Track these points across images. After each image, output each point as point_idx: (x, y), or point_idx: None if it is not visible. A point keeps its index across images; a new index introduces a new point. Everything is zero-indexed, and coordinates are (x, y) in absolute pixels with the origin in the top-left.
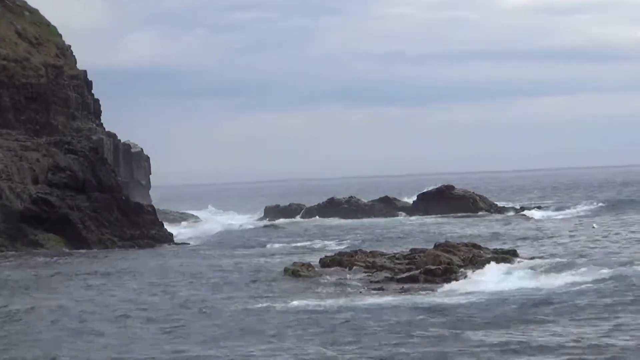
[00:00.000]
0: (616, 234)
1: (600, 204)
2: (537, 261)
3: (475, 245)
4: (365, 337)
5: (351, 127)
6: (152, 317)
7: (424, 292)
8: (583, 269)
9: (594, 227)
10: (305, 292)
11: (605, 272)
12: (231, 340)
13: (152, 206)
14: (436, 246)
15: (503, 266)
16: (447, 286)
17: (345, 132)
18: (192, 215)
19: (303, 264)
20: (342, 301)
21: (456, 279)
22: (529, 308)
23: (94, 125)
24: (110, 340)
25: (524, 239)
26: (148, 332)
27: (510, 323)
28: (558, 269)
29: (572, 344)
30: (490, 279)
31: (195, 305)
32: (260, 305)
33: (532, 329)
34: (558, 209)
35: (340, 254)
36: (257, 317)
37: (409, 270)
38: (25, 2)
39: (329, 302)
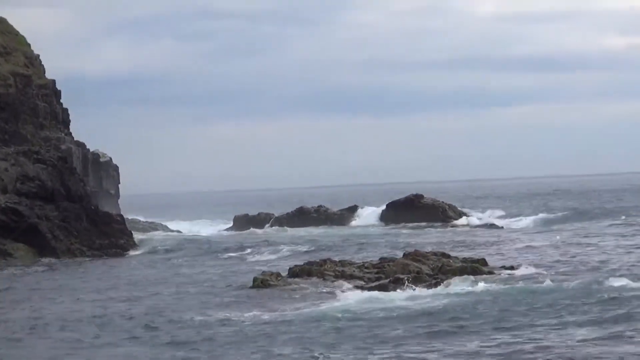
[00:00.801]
0: (577, 244)
1: (564, 213)
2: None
3: (444, 254)
4: (312, 344)
5: (321, 136)
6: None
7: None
8: (545, 281)
9: (557, 238)
10: (266, 302)
11: (547, 284)
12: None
13: (121, 215)
14: (405, 255)
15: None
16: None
17: (315, 141)
18: (161, 224)
19: (272, 274)
20: (303, 310)
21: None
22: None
23: (63, 134)
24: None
25: (490, 246)
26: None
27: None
28: (517, 279)
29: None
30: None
31: (144, 317)
32: (215, 316)
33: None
34: (523, 216)
35: (310, 263)
36: (205, 329)
37: (378, 279)
38: None
39: (286, 312)
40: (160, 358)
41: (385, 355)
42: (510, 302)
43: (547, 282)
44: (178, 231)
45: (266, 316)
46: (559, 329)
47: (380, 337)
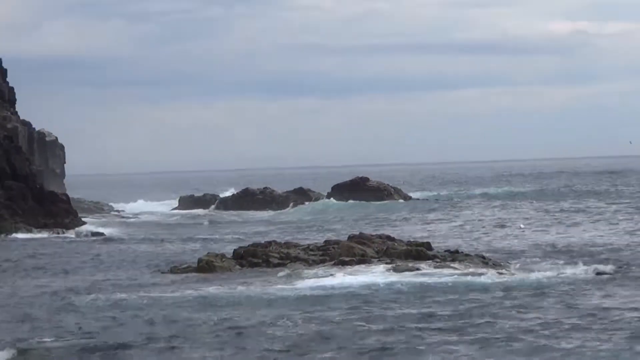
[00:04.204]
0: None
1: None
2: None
3: (389, 238)
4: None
5: (268, 119)
6: None
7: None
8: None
9: (521, 227)
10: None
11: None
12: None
13: (66, 195)
14: (350, 238)
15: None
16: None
17: (262, 124)
18: (107, 204)
19: (217, 255)
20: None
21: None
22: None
23: (9, 113)
24: None
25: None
26: None
27: None
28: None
29: None
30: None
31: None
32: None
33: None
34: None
35: (254, 244)
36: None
37: (322, 261)
38: None
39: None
40: None
41: None
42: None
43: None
44: (123, 211)
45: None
46: None
47: None
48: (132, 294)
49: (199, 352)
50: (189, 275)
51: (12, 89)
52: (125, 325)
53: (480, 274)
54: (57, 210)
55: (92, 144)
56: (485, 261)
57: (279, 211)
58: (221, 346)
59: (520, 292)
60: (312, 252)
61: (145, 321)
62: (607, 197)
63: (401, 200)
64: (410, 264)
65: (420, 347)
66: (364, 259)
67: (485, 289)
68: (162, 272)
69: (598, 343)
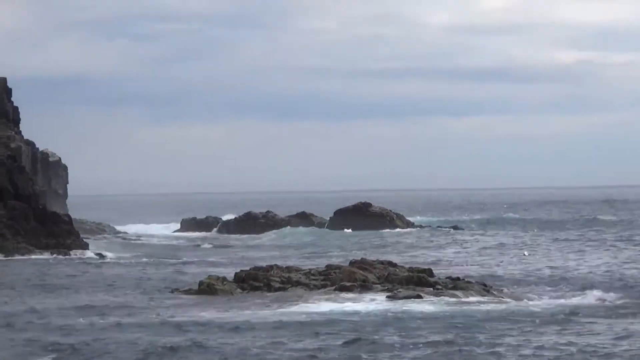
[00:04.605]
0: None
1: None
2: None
3: (390, 263)
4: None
5: (270, 141)
6: None
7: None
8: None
9: (525, 255)
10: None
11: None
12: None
13: (68, 215)
14: (351, 263)
15: None
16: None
17: (264, 146)
18: (109, 225)
19: (218, 278)
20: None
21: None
22: None
23: (13, 133)
24: None
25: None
26: None
27: None
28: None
29: None
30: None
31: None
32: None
33: None
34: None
35: (256, 268)
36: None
37: (324, 286)
38: None
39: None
40: None
41: None
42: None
43: None
44: (125, 232)
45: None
46: None
47: None
48: (129, 316)
49: None
50: (190, 297)
51: (16, 108)
52: (115, 346)
53: (479, 303)
54: (59, 231)
55: (95, 164)
56: (486, 289)
57: (280, 234)
58: None
59: (520, 319)
60: (313, 277)
61: (134, 344)
62: (612, 226)
63: (403, 227)
64: (409, 292)
65: None
66: (365, 285)
67: (483, 317)
68: (163, 293)
69: None
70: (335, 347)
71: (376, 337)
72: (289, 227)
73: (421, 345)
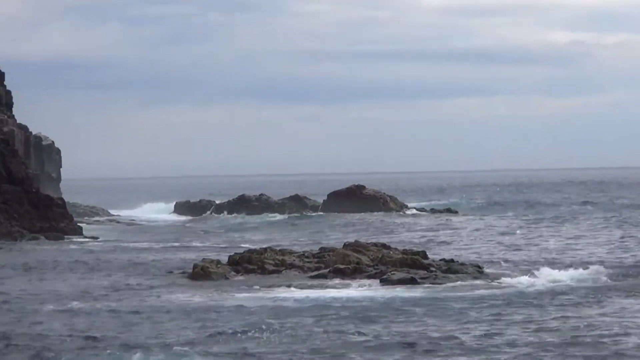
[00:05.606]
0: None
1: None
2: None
3: (384, 246)
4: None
5: (265, 124)
6: None
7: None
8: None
9: (517, 233)
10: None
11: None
12: None
13: (62, 199)
14: (345, 245)
15: None
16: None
17: (259, 129)
18: (102, 209)
19: (212, 261)
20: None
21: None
22: None
23: (6, 116)
24: None
25: (435, 240)
26: None
27: None
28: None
29: None
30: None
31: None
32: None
33: None
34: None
35: (250, 251)
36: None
37: (317, 268)
38: None
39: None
40: None
41: None
42: None
43: None
44: (118, 216)
45: None
46: None
47: None
48: (124, 300)
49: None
50: (183, 280)
51: (9, 92)
52: (104, 330)
53: (472, 286)
54: (52, 215)
55: (89, 147)
56: (480, 270)
57: (274, 217)
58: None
59: (514, 301)
60: (307, 259)
61: (126, 324)
62: (607, 208)
63: (397, 210)
64: (403, 274)
65: None
66: (358, 267)
67: (478, 299)
68: (156, 276)
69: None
70: (321, 333)
71: (368, 320)
72: (282, 209)
73: (415, 331)
